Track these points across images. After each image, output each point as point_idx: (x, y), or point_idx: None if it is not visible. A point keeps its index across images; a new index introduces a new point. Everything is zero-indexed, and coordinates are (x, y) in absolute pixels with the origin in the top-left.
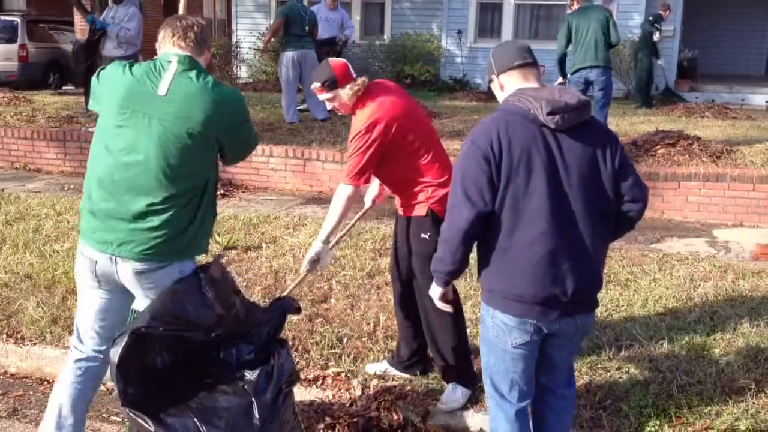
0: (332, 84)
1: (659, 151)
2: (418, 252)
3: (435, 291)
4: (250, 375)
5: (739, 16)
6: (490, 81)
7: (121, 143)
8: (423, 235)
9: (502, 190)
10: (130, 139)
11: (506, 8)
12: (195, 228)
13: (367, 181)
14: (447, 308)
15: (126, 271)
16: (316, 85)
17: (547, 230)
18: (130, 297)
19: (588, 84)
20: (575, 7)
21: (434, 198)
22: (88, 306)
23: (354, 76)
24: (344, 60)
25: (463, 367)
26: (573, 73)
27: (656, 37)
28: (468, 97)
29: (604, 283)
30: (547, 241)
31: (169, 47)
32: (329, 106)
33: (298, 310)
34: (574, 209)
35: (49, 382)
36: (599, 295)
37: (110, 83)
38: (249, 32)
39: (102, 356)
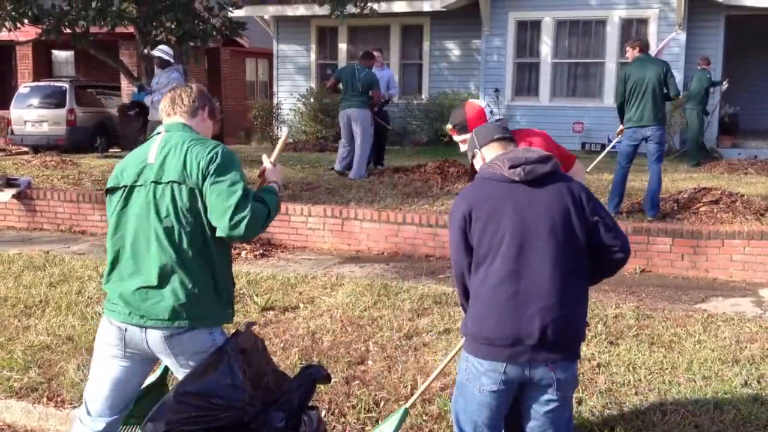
0: (462, 129)
1: (702, 209)
2: None
3: None
4: None
5: None
6: (473, 156)
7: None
8: None
9: (476, 246)
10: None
11: (543, 67)
12: (212, 291)
13: None
14: None
15: (155, 339)
16: (449, 126)
17: (512, 274)
18: (149, 367)
19: (643, 139)
20: (630, 58)
21: None
22: (105, 375)
23: (488, 119)
24: (483, 103)
25: None
26: (628, 128)
27: (725, 86)
28: None
29: (586, 333)
30: (513, 283)
31: (166, 118)
32: (462, 148)
33: (327, 378)
34: (543, 254)
35: None
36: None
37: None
38: (290, 94)
39: (110, 430)
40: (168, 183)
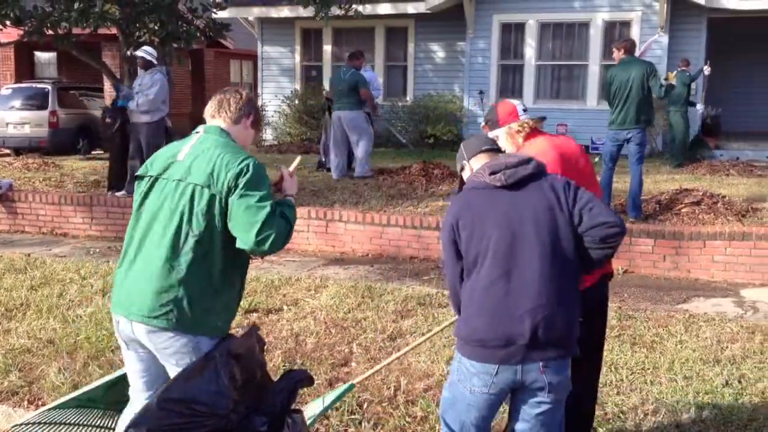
0: (494, 124)
1: (683, 210)
2: None
3: None
4: None
5: (763, 73)
6: (462, 169)
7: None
8: None
9: (465, 253)
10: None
11: (527, 69)
12: (207, 300)
13: None
14: None
15: (140, 332)
16: (482, 122)
17: (502, 276)
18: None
19: (625, 140)
20: (617, 59)
21: None
22: (128, 367)
23: (520, 117)
24: (516, 102)
25: None
26: (611, 129)
27: (707, 70)
28: None
29: (578, 331)
30: (503, 284)
31: (209, 119)
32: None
33: (310, 381)
34: (531, 254)
35: None
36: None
37: None
38: (274, 95)
39: None
40: (191, 184)
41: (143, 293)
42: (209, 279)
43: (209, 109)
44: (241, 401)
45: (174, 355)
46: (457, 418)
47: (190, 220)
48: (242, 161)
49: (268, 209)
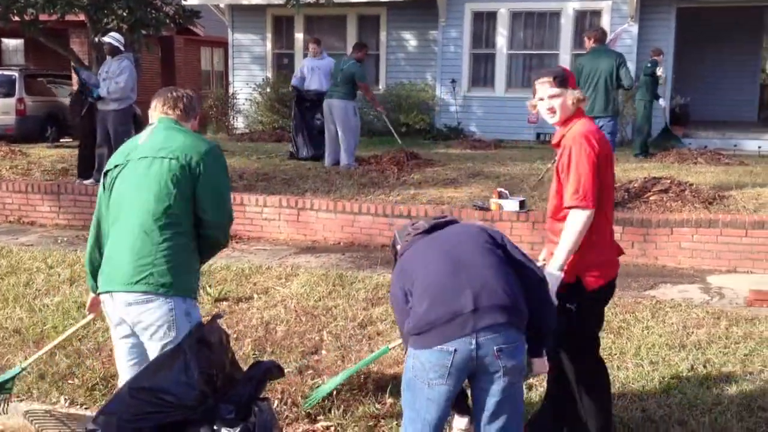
0: (563, 81)
1: (651, 198)
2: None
3: None
4: None
5: (731, 63)
6: (395, 245)
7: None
8: (568, 305)
9: (415, 290)
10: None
11: (499, 58)
12: (178, 262)
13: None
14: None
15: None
16: (545, 79)
17: (447, 271)
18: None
19: None
20: (588, 48)
21: (588, 264)
22: (116, 351)
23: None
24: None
25: None
26: None
27: (660, 71)
28: (462, 145)
29: (524, 307)
30: (448, 276)
31: (160, 115)
32: (546, 105)
33: (280, 371)
34: (469, 253)
35: None
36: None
37: None
38: (245, 83)
39: None
40: (158, 157)
41: (123, 264)
42: (181, 241)
43: (159, 106)
44: (209, 392)
45: (149, 327)
46: (417, 416)
47: (160, 189)
48: (209, 144)
49: (227, 195)
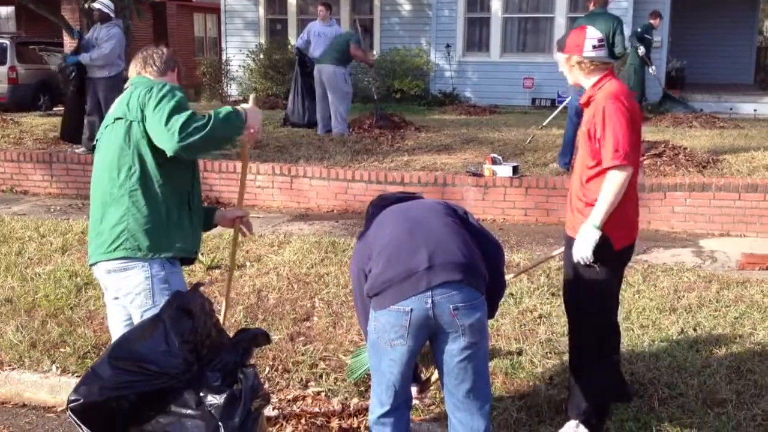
0: (562, 47)
1: (645, 162)
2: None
3: None
4: (217, 399)
5: (727, 26)
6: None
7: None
8: (592, 264)
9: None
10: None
11: (494, 22)
12: (153, 224)
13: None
14: None
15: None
16: (556, 47)
17: (403, 232)
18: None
19: None
20: (590, 9)
21: (616, 224)
22: (109, 317)
23: (585, 51)
24: (592, 34)
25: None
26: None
27: (641, 51)
28: (457, 111)
29: (482, 270)
30: (404, 237)
31: (135, 76)
32: (560, 70)
33: (267, 338)
34: (426, 216)
35: (27, 407)
36: None
37: None
38: (239, 50)
39: None
40: (112, 121)
41: (100, 233)
42: (154, 201)
43: (135, 67)
44: (193, 360)
45: (128, 295)
46: (382, 379)
47: (120, 153)
48: (152, 85)
49: (173, 104)
